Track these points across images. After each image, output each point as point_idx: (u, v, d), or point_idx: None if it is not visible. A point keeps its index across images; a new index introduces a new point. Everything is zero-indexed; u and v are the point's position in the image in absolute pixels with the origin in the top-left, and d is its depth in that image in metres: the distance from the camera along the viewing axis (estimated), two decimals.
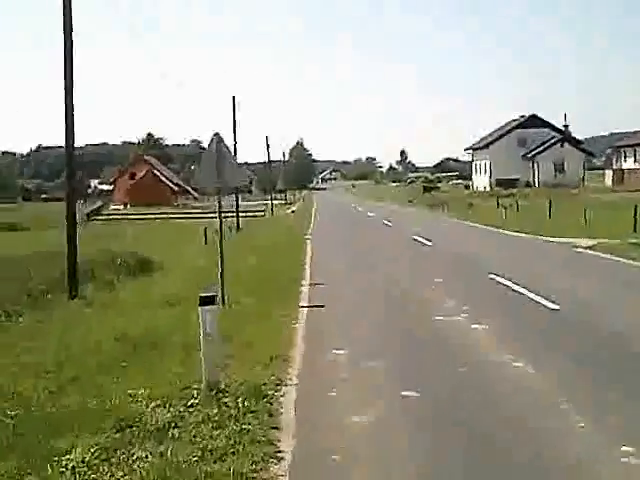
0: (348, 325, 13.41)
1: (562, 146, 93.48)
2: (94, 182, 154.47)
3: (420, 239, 31.15)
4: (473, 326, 12.79)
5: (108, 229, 55.91)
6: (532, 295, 15.55)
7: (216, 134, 15.71)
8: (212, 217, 66.74)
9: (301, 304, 15.71)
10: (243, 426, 7.66)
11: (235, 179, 16.14)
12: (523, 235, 32.44)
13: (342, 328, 13.11)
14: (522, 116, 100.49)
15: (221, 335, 11.97)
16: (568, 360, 10.32)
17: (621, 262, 21.51)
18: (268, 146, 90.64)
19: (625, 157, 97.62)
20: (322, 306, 15.38)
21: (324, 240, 34.28)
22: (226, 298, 15.52)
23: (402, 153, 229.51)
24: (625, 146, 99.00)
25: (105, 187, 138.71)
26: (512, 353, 10.62)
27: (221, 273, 15.78)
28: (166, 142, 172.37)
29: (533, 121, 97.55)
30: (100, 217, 78.51)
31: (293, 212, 51.03)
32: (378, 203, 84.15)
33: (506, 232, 34.26)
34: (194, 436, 7.52)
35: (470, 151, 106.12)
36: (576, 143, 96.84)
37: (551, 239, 29.81)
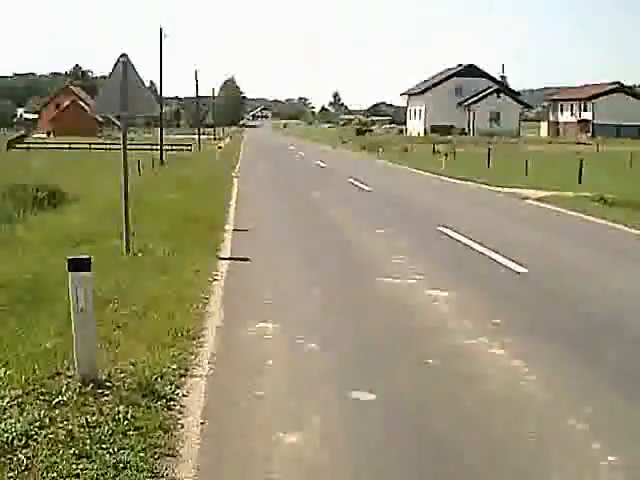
0: (277, 287, 10.83)
1: (499, 96, 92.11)
2: (20, 110, 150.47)
3: (357, 183, 28.65)
4: (429, 292, 10.38)
5: (25, 158, 52.33)
6: (492, 254, 13.20)
7: (122, 55, 12.91)
8: (136, 149, 64.03)
9: (222, 255, 13.10)
10: (120, 456, 5.09)
11: (142, 108, 13.35)
12: (467, 183, 30.25)
13: (270, 291, 10.51)
14: (459, 65, 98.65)
15: (113, 295, 9.52)
16: (562, 349, 7.97)
17: (578, 217, 19.41)
18: (197, 80, 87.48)
19: (561, 110, 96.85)
20: (247, 259, 12.79)
21: (252, 180, 31.47)
22: (131, 244, 12.86)
23: (335, 95, 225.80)
24: (562, 100, 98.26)
25: (30, 116, 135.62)
26: (486, 334, 8.23)
27: (125, 212, 13.08)
28: (95, 75, 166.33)
29: (470, 70, 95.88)
30: (21, 145, 74.09)
31: (220, 148, 47.67)
32: (310, 143, 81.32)
33: (447, 179, 31.98)
34: (48, 468, 4.97)
35: (406, 96, 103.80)
36: (513, 94, 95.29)
37: (495, 188, 27.73)
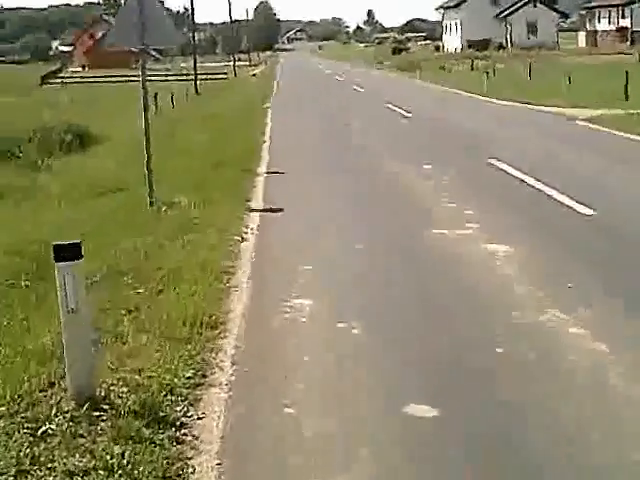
0: (314, 246, 9.38)
1: (535, 6, 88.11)
2: (55, 43, 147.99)
3: (397, 109, 26.86)
4: (488, 247, 8.89)
5: (57, 94, 50.96)
6: (552, 192, 11.62)
7: None
8: (172, 80, 62.36)
9: (253, 206, 11.66)
10: None
11: (161, 38, 11.81)
12: (510, 104, 28.30)
13: (307, 252, 9.06)
14: None
15: (129, 264, 8.19)
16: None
17: (636, 140, 17.61)
18: (230, 3, 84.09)
19: (599, 18, 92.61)
20: (280, 210, 11.32)
21: (287, 111, 29.78)
22: (154, 196, 11.48)
23: (369, 13, 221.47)
24: (598, 7, 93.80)
25: (66, 49, 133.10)
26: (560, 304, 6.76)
27: (147, 162, 11.67)
28: None
29: None
30: (55, 81, 72.49)
31: (255, 76, 45.81)
32: (346, 65, 78.83)
33: (492, 100, 29.98)
34: None
35: (441, 10, 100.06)
36: (549, 2, 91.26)
37: (542, 108, 25.86)
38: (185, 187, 12.75)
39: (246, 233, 9.90)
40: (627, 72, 27.51)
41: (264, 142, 19.41)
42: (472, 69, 54.98)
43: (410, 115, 25.03)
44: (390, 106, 27.97)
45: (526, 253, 8.65)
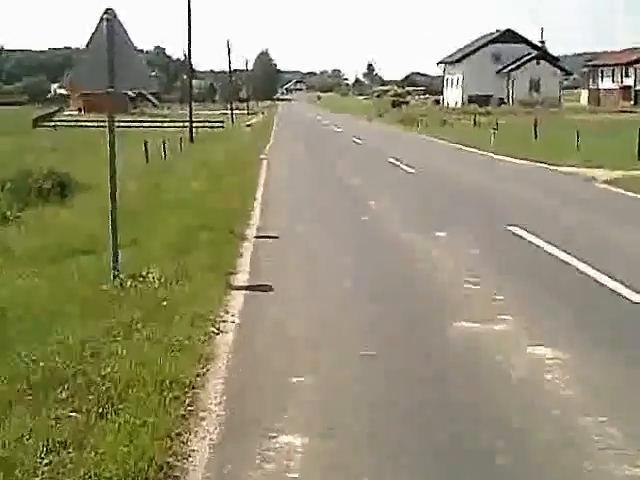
0: (309, 346, 7.35)
1: (538, 63, 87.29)
2: (54, 86, 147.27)
3: (399, 164, 25.03)
4: (534, 352, 6.91)
5: (52, 137, 49.30)
6: (591, 271, 9.73)
7: (107, 10, 9.53)
8: (168, 127, 60.80)
9: (237, 282, 9.62)
10: None
11: (133, 80, 9.96)
12: (521, 162, 26.54)
13: (302, 355, 7.04)
14: (497, 30, 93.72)
15: (70, 370, 6.20)
16: None
17: None
18: (229, 50, 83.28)
19: (602, 77, 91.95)
20: (269, 289, 9.31)
21: (284, 162, 27.91)
22: (119, 268, 9.48)
23: (369, 66, 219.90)
24: (602, 65, 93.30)
25: (64, 92, 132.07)
26: None
27: (112, 226, 9.71)
28: None
29: (508, 36, 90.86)
30: (47, 124, 70.86)
31: (250, 126, 43.95)
32: (345, 117, 77.48)
33: (501, 158, 28.17)
34: None
35: (442, 65, 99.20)
36: (553, 60, 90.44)
37: (554, 167, 24.10)
38: (160, 253, 10.83)
39: (225, 321, 7.88)
40: None
41: (255, 200, 17.44)
42: (475, 124, 53.55)
43: (414, 171, 23.17)
44: (392, 161, 26.13)
45: (585, 361, 6.66)
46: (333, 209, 16.20)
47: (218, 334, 7.47)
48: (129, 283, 9.21)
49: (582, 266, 10.11)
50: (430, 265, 10.64)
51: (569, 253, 10.82)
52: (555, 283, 9.62)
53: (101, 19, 9.53)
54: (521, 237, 12.40)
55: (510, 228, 13.13)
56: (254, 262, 10.75)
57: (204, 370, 6.45)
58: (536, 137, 36.55)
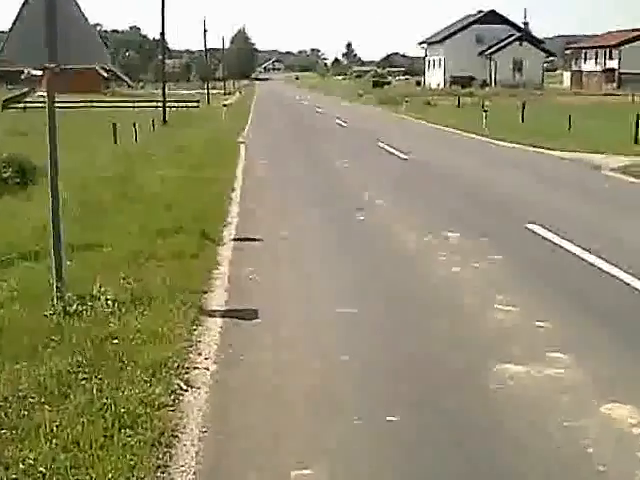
0: (305, 403, 5.46)
1: (521, 44, 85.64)
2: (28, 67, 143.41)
3: (391, 149, 23.04)
4: (610, 414, 5.06)
5: (21, 120, 46.82)
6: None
7: None
8: (141, 107, 58.38)
9: (212, 305, 7.62)
10: None
11: (83, 54, 7.90)
12: (517, 146, 24.69)
13: (289, 423, 5.13)
14: (480, 11, 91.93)
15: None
16: None
17: None
18: (205, 29, 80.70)
19: (585, 59, 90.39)
20: (253, 315, 7.30)
21: (264, 147, 25.80)
22: (64, 286, 7.48)
23: (348, 45, 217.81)
24: (586, 47, 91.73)
25: (38, 72, 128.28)
26: None
27: (54, 231, 7.68)
28: (104, 28, 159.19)
29: (491, 17, 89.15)
30: (17, 106, 67.95)
31: (226, 106, 41.51)
32: (326, 97, 75.30)
33: (496, 142, 26.23)
34: None
35: (424, 45, 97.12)
36: (536, 42, 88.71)
37: (554, 153, 22.36)
38: (118, 262, 8.84)
39: (195, 368, 5.92)
40: (638, 115, 24.29)
41: (233, 190, 15.40)
42: (458, 106, 51.76)
43: (408, 157, 21.19)
44: (382, 145, 24.15)
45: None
46: (323, 203, 14.21)
47: (185, 391, 5.51)
48: (75, 307, 7.23)
49: (629, 279, 8.27)
50: (447, 279, 8.70)
51: (611, 263, 8.96)
52: (606, 302, 7.75)
53: None
54: (545, 239, 10.56)
55: (530, 226, 11.29)
56: (234, 276, 8.74)
57: (161, 461, 4.49)
58: (523, 120, 34.83)
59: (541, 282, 8.61)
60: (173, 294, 7.55)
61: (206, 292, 7.95)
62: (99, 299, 7.45)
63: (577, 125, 29.19)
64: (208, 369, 5.93)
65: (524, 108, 36.03)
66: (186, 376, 5.74)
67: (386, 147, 23.58)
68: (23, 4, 7.68)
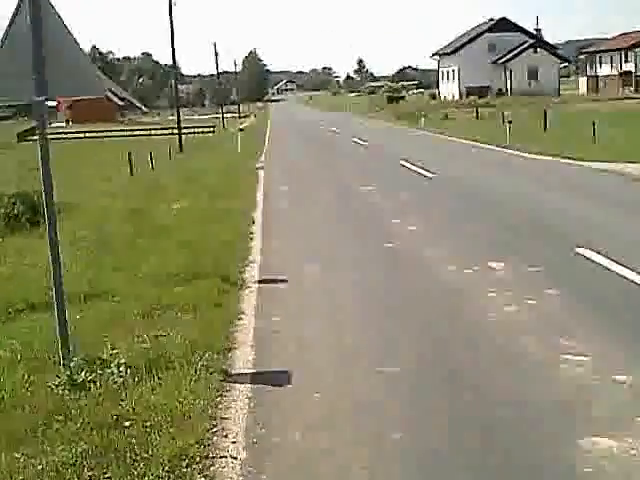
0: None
1: (535, 51, 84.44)
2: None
3: (415, 168, 22.05)
4: None
5: (34, 153, 46.16)
6: None
7: None
8: (156, 134, 57.80)
9: (237, 369, 6.58)
10: None
11: (76, 85, 6.98)
12: (546, 158, 23.64)
13: None
14: (491, 19, 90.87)
15: None
16: None
17: None
18: (217, 53, 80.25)
19: (600, 63, 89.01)
20: (284, 380, 6.32)
21: (282, 174, 24.87)
22: (70, 351, 6.56)
23: (360, 62, 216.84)
24: (600, 51, 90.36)
25: (52, 103, 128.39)
26: None
27: (56, 288, 6.75)
28: (115, 55, 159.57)
29: (503, 25, 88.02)
30: (33, 137, 67.49)
31: (242, 131, 40.71)
32: (341, 116, 74.40)
33: (522, 155, 25.20)
34: None
35: (437, 57, 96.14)
36: (550, 48, 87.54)
37: (586, 164, 21.32)
38: (130, 318, 7.92)
39: (222, 457, 4.95)
40: None
41: (254, 223, 14.44)
42: (477, 117, 50.77)
43: (431, 175, 20.20)
44: (405, 163, 23.18)
45: None
46: (349, 233, 13.24)
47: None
48: (82, 376, 6.31)
49: None
50: (501, 322, 7.68)
51: None
52: None
53: (19, 3, 6.60)
54: (602, 266, 9.52)
55: (581, 251, 10.28)
56: (259, 328, 7.76)
57: None
58: (545, 129, 33.80)
59: (609, 322, 7.55)
60: (193, 355, 6.59)
61: (230, 350, 6.98)
62: (110, 365, 6.53)
63: (601, 133, 28.08)
64: (236, 458, 4.95)
65: (546, 117, 35.08)
66: (212, 469, 4.77)
67: (412, 167, 22.55)
68: (5, 35, 6.79)
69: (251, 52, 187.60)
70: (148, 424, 5.29)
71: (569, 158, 22.84)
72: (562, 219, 13.27)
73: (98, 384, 6.16)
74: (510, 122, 30.21)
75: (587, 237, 11.23)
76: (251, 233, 13.22)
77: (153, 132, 60.17)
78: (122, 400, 5.76)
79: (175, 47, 44.71)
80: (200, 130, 58.93)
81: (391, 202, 16.42)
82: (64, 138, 62.78)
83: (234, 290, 9.07)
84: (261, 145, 37.02)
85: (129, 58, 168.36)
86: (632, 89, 79.50)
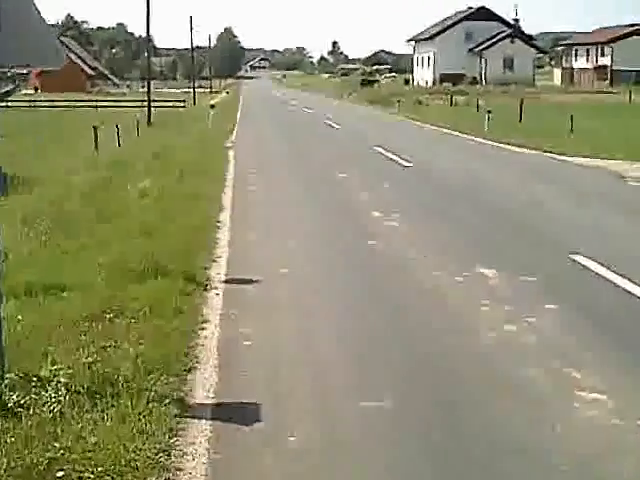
0: None
1: (512, 41, 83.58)
2: None
3: (393, 156, 21.04)
4: None
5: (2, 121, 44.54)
6: None
7: None
8: (126, 106, 56.24)
9: (196, 398, 5.54)
10: None
11: (34, 54, 5.90)
12: (526, 151, 22.78)
13: None
14: (470, 8, 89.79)
15: None
16: None
17: None
18: (192, 28, 77.99)
19: (576, 56, 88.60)
20: (253, 416, 5.30)
21: (254, 153, 23.71)
22: (8, 364, 5.54)
23: (334, 43, 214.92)
24: (576, 44, 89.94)
25: (24, 70, 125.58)
26: None
27: None
28: (90, 25, 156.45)
29: (481, 13, 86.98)
30: (0, 104, 65.33)
31: (213, 107, 39.36)
32: (314, 96, 73.18)
33: (501, 146, 24.28)
34: None
35: (412, 43, 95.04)
36: (527, 38, 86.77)
37: (568, 159, 20.56)
38: (77, 322, 6.88)
39: None
40: None
41: (222, 209, 13.36)
42: (451, 104, 49.87)
43: (408, 164, 19.23)
44: (382, 152, 22.17)
45: None
46: (324, 225, 12.25)
47: None
48: (15, 398, 5.28)
49: None
50: (501, 344, 6.74)
51: None
52: None
53: None
54: (599, 275, 8.69)
55: (576, 258, 9.41)
56: (225, 339, 6.75)
57: None
58: (521, 119, 32.92)
59: (623, 348, 6.65)
60: (145, 378, 5.57)
61: (189, 370, 5.95)
62: (49, 384, 5.50)
63: (579, 126, 27.32)
64: None
65: (522, 107, 34.22)
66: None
67: (386, 154, 21.55)
68: None
69: (226, 28, 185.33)
70: (85, 475, 4.28)
71: (548, 151, 22.05)
72: (549, 219, 12.45)
73: (32, 410, 5.13)
74: (489, 112, 29.27)
75: (579, 241, 10.58)
76: (218, 221, 12.15)
77: (123, 104, 58.54)
78: (57, 437, 4.73)
79: (150, 19, 43.13)
80: (171, 104, 57.37)
81: (364, 191, 15.42)
82: (33, 107, 61.04)
83: (198, 291, 8.03)
84: (232, 123, 35.76)
85: (103, 28, 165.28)
86: (607, 83, 79.11)
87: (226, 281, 8.59)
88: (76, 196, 14.57)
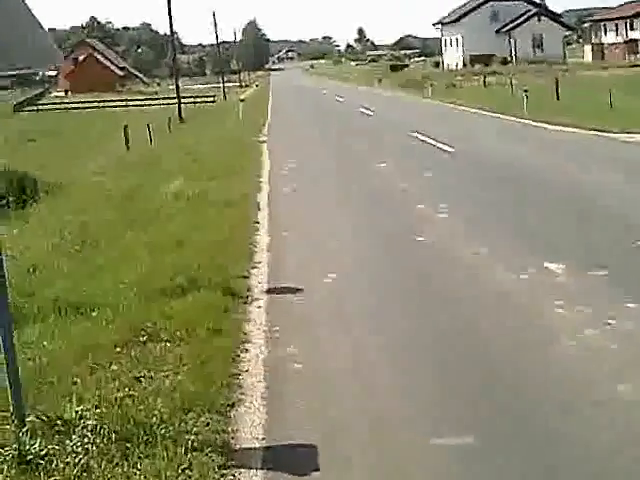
0: None
1: (540, 20, 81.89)
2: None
3: (431, 140, 20.07)
4: None
5: (33, 123, 44.29)
6: None
7: None
8: (156, 104, 55.81)
9: (244, 440, 4.64)
10: None
11: (27, 55, 5.12)
12: (577, 131, 21.50)
13: None
14: None
15: None
16: None
17: None
18: (215, 23, 77.41)
19: (605, 31, 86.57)
20: (311, 463, 4.49)
21: (289, 146, 22.91)
22: (23, 398, 4.77)
23: (360, 31, 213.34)
24: (606, 20, 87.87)
25: (52, 73, 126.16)
26: None
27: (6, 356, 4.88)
28: (114, 26, 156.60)
29: None
30: (31, 108, 65.11)
31: (243, 101, 38.64)
32: (344, 84, 72.11)
33: (546, 127, 23.09)
34: None
35: (439, 26, 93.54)
36: (554, 16, 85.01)
37: (615, 136, 19.41)
38: (105, 348, 6.11)
39: None
40: None
41: (260, 209, 12.54)
42: (484, 85, 48.67)
43: (451, 149, 18.24)
44: (414, 133, 21.19)
45: None
46: (366, 223, 11.38)
47: None
48: (37, 447, 4.52)
49: None
50: (582, 357, 5.85)
51: None
52: None
53: None
54: None
55: None
56: (271, 364, 5.92)
57: None
58: (558, 98, 31.64)
59: None
60: (184, 419, 4.77)
61: (233, 405, 5.13)
62: (74, 430, 4.72)
63: (618, 102, 26.01)
64: None
65: (557, 85, 32.97)
66: None
67: (428, 140, 20.58)
68: None
69: (250, 21, 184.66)
70: None
71: (602, 131, 20.72)
72: (615, 204, 11.37)
73: (54, 464, 4.37)
74: (526, 91, 28.10)
75: None
76: (257, 222, 11.33)
77: (153, 102, 58.15)
78: None
79: (173, 15, 42.52)
80: (201, 100, 56.78)
81: (408, 182, 14.52)
82: (63, 108, 60.76)
83: (238, 304, 7.21)
84: (263, 117, 34.93)
85: (128, 28, 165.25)
86: (638, 56, 77.25)
87: (267, 290, 7.76)
88: (107, 201, 13.89)
